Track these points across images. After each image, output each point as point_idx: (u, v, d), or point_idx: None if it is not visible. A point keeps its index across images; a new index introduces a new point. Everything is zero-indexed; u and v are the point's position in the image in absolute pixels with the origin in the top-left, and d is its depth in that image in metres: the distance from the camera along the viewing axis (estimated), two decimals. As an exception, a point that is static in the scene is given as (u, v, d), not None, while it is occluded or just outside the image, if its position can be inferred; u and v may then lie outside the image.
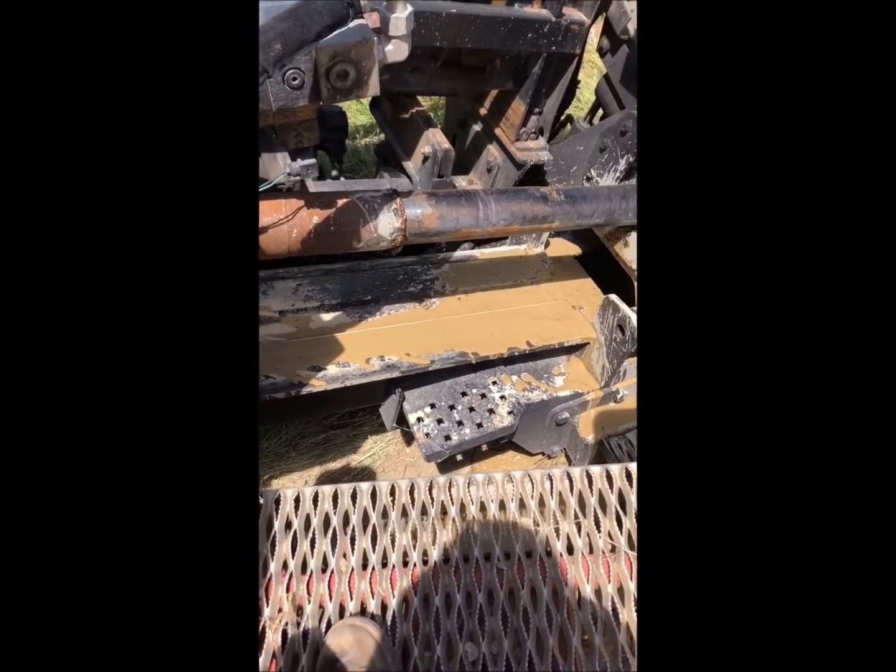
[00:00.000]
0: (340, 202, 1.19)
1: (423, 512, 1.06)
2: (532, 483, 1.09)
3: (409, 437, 1.83)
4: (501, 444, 1.73)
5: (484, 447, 1.82)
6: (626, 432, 1.60)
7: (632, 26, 1.53)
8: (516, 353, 1.53)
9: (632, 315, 1.48)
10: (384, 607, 0.97)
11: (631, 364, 1.60)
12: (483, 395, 1.55)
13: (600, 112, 1.79)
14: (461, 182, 1.81)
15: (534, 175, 1.76)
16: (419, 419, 1.47)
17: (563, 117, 1.88)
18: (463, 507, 1.06)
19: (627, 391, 1.64)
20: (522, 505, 1.07)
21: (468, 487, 1.08)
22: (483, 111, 1.75)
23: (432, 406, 1.50)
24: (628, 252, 1.57)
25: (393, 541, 1.02)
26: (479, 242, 1.81)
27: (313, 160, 1.17)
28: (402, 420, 1.53)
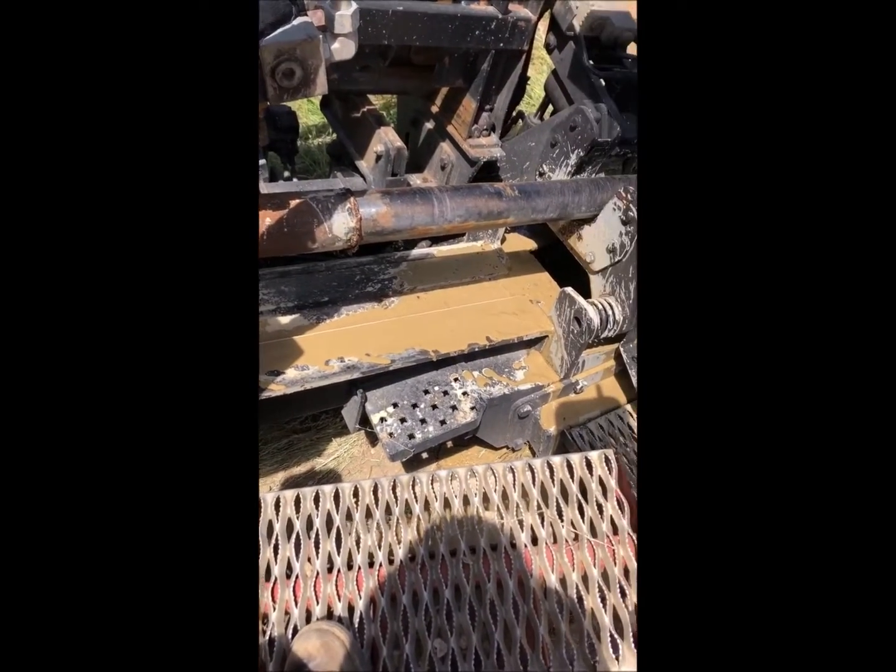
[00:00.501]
0: (293, 203, 1.18)
1: (388, 511, 1.06)
2: (495, 476, 1.10)
3: (373, 438, 1.82)
4: (466, 439, 1.74)
5: (449, 444, 1.83)
6: (587, 422, 1.63)
7: (577, 22, 1.55)
8: (476, 349, 1.54)
9: (587, 307, 1.50)
10: (351, 609, 0.96)
11: (589, 355, 1.63)
12: (445, 392, 1.55)
13: (551, 108, 1.82)
14: (415, 180, 1.80)
15: (488, 172, 1.76)
16: (382, 419, 1.46)
17: (514, 113, 1.90)
18: (427, 505, 1.07)
19: (586, 382, 1.67)
20: (486, 499, 1.08)
21: (432, 484, 1.09)
22: (435, 109, 1.74)
23: (395, 405, 1.49)
24: (582, 245, 1.59)
25: (358, 542, 1.02)
26: (436, 240, 1.81)
27: (263, 161, 1.16)
28: (365, 421, 1.53)
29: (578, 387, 1.66)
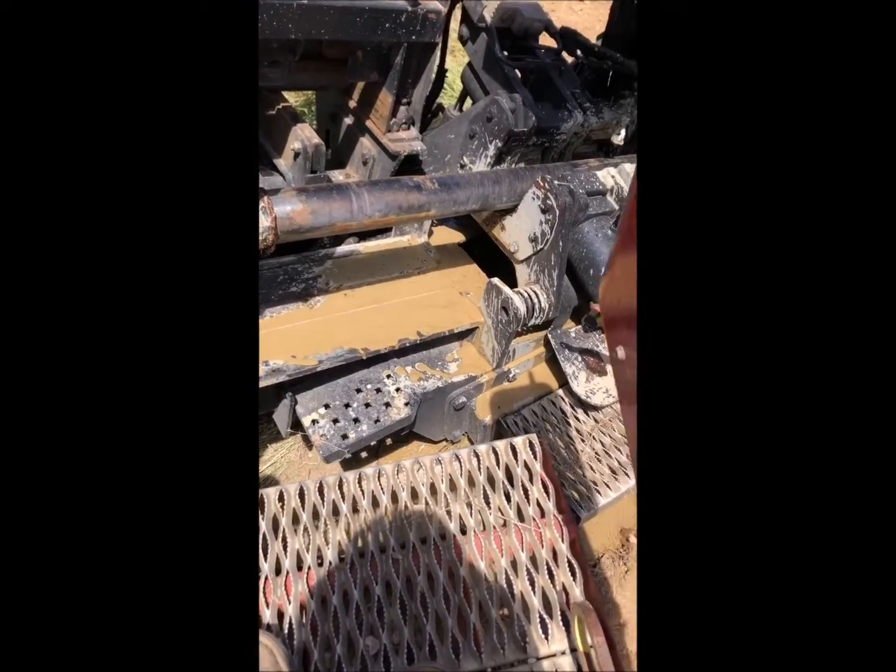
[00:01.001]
0: (200, 205, 1.14)
1: (315, 514, 1.04)
2: (423, 470, 1.10)
3: (310, 441, 1.79)
4: (403, 435, 1.73)
5: (388, 441, 1.82)
6: (521, 409, 1.65)
7: (487, 14, 1.56)
8: (408, 344, 1.54)
9: (513, 296, 1.52)
10: (281, 615, 0.94)
11: (519, 343, 1.65)
12: (378, 390, 1.54)
13: (470, 100, 1.83)
14: (338, 176, 1.78)
15: (411, 165, 1.76)
16: (314, 421, 1.44)
17: (434, 106, 1.90)
18: (355, 504, 1.06)
19: (518, 370, 1.69)
20: (414, 493, 1.08)
21: (359, 483, 1.08)
22: (352, 104, 1.72)
23: (326, 406, 1.47)
24: (505, 235, 1.61)
25: (285, 547, 1.00)
26: (362, 236, 1.79)
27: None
28: (297, 425, 1.50)
29: (511, 375, 1.67)
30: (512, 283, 1.62)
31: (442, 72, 1.88)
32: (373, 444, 1.62)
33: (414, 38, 1.49)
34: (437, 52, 1.62)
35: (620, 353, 0.65)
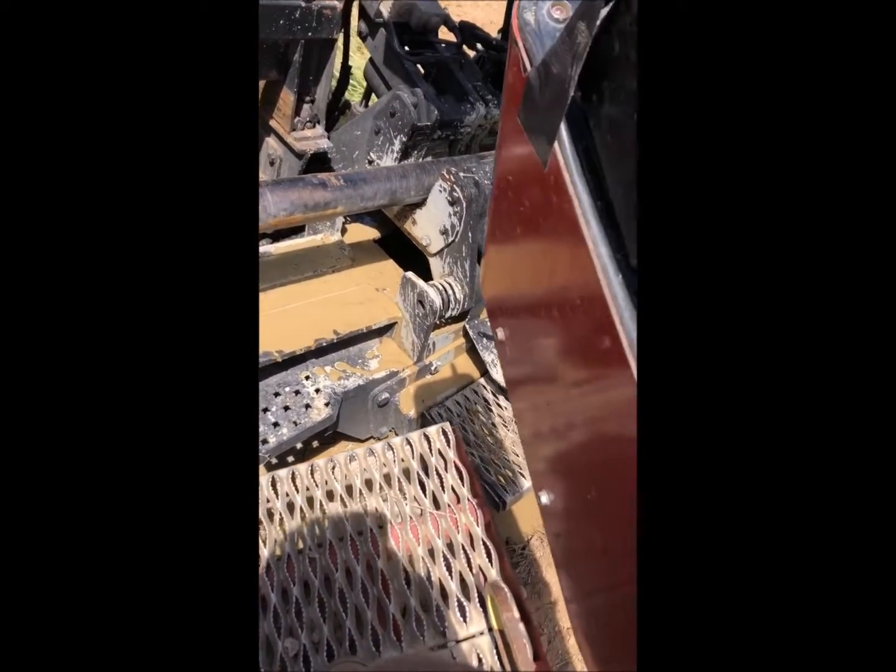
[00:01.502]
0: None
1: (228, 521, 1.02)
2: (338, 467, 1.10)
3: (234, 449, 1.75)
4: (328, 436, 1.72)
5: (315, 443, 1.80)
6: (444, 400, 1.67)
7: (384, 9, 1.56)
8: (324, 344, 1.52)
9: (428, 289, 1.53)
10: (195, 628, 0.92)
11: (438, 336, 1.67)
12: (297, 392, 1.52)
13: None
14: (245, 178, 1.74)
15: (321, 163, 1.74)
16: (231, 428, 1.41)
17: (340, 103, 1.88)
18: (270, 508, 1.04)
19: (440, 362, 1.71)
20: (331, 491, 1.08)
21: (272, 487, 1.06)
22: (255, 103, 1.69)
23: (244, 412, 1.44)
24: (417, 229, 1.62)
25: (197, 558, 0.98)
26: (275, 237, 1.77)
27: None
28: (215, 432, 1.46)
29: (433, 368, 1.69)
30: (428, 277, 1.63)
31: (346, 68, 1.87)
32: (298, 446, 1.61)
33: (310, 34, 1.47)
34: (339, 49, 1.61)
35: (500, 334, 0.67)
